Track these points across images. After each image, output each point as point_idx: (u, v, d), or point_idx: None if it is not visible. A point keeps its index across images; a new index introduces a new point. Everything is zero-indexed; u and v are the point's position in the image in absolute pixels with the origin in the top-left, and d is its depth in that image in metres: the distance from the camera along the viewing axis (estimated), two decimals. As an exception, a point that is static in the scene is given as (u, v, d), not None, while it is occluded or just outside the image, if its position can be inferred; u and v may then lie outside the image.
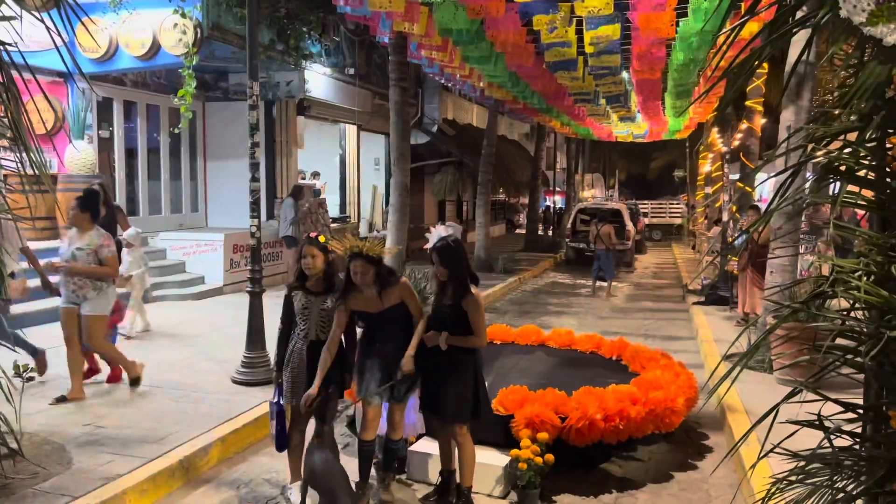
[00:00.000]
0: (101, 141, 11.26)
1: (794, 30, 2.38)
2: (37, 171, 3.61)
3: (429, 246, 4.13)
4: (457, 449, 4.18)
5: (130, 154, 12.05)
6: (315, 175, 16.41)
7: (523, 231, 25.49)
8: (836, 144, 2.32)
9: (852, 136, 2.26)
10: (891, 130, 2.14)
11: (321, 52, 13.34)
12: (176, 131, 11.34)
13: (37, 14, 3.63)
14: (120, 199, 11.67)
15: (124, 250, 7.60)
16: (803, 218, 7.39)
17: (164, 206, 12.70)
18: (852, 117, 2.27)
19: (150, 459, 4.48)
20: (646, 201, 36.83)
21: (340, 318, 4.03)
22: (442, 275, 4.08)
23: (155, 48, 10.06)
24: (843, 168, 2.25)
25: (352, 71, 14.68)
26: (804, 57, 2.56)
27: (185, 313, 9.50)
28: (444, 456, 4.34)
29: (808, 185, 2.36)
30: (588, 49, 10.07)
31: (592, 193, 35.95)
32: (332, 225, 13.90)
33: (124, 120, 11.78)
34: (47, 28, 3.46)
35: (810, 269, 9.84)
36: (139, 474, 4.27)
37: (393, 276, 4.05)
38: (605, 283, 13.87)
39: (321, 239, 4.22)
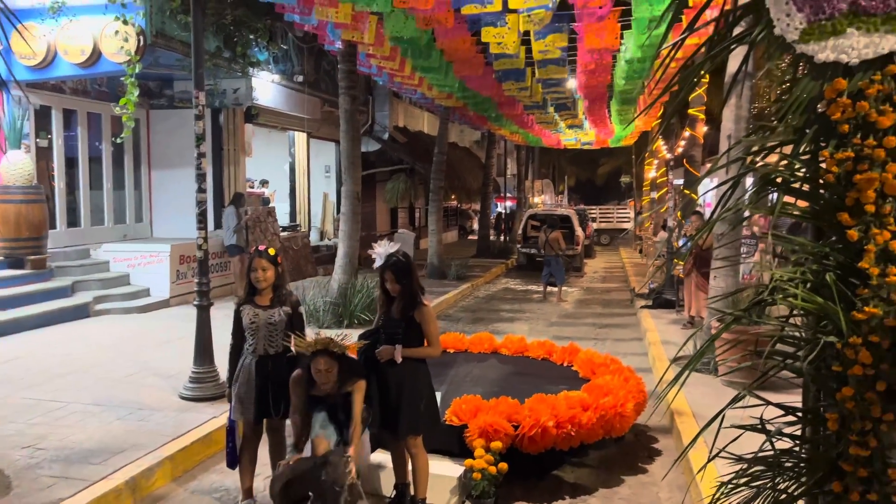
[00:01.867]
0: (39, 150, 10.87)
1: (733, 45, 2.46)
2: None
3: (378, 265, 4.07)
4: (410, 460, 4.16)
5: (71, 163, 11.66)
6: (264, 183, 16.17)
7: (476, 237, 25.61)
8: (773, 157, 2.40)
9: (788, 149, 2.34)
10: (823, 144, 2.22)
11: (269, 60, 13.17)
12: (119, 140, 11.03)
13: (-32, 21, 3.49)
14: (60, 210, 11.30)
15: None
16: (745, 224, 7.62)
17: (106, 217, 12.32)
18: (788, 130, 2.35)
19: (95, 481, 4.33)
20: (594, 206, 37.43)
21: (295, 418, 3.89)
22: (395, 291, 4.06)
23: (96, 55, 9.79)
24: (779, 180, 2.32)
25: (300, 78, 14.53)
26: (743, 69, 2.64)
27: (130, 327, 9.23)
28: (397, 468, 4.31)
29: (747, 195, 2.43)
30: (536, 57, 10.21)
31: (542, 199, 36.37)
32: (282, 234, 13.72)
33: (64, 128, 11.40)
34: (-20, 36, 3.34)
35: (752, 273, 10.17)
36: (83, 497, 4.12)
37: (354, 376, 3.85)
38: (555, 289, 14.05)
39: (271, 251, 4.16)
